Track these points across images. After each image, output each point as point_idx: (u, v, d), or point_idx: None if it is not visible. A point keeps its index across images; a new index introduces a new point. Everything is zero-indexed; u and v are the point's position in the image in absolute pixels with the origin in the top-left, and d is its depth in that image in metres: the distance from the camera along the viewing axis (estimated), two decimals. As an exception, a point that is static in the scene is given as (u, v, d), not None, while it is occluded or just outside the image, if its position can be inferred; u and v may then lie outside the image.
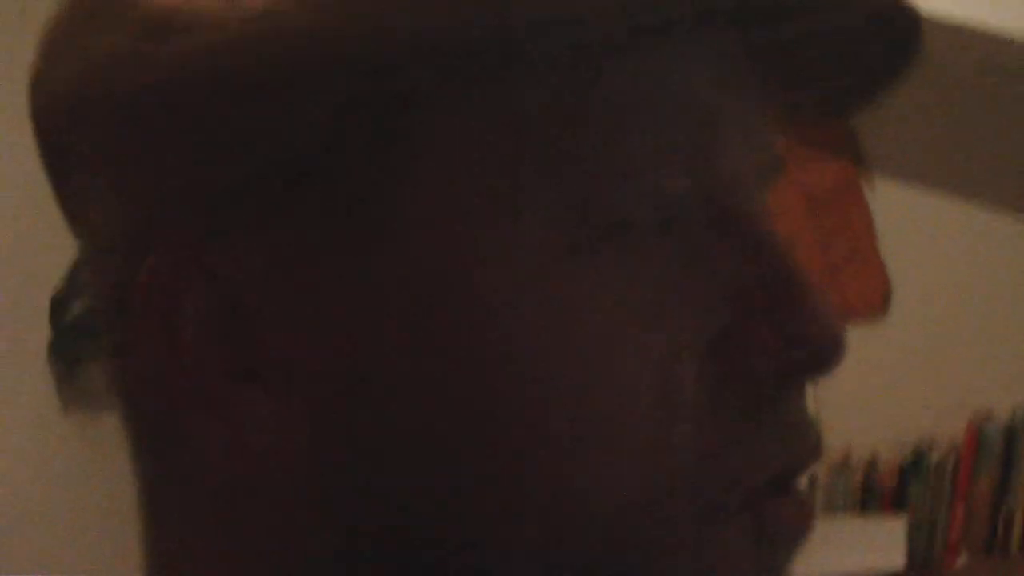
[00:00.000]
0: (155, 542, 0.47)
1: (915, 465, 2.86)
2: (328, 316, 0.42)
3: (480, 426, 0.42)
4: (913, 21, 0.46)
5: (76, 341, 2.97)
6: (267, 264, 0.43)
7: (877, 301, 3.28)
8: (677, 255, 0.43)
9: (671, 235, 0.43)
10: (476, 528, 0.43)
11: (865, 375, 3.17)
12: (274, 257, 0.43)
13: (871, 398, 3.10)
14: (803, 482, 0.46)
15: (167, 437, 0.45)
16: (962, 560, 2.52)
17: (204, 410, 0.43)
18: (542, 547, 0.42)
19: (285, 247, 0.43)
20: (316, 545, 0.43)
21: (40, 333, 3.05)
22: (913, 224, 3.22)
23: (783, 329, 0.43)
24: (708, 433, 0.42)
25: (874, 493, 2.88)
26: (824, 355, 0.43)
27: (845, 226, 3.36)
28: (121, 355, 0.46)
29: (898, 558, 2.30)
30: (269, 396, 0.43)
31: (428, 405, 0.42)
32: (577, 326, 0.42)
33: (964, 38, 2.23)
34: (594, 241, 0.42)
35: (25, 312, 3.02)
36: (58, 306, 3.00)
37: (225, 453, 0.43)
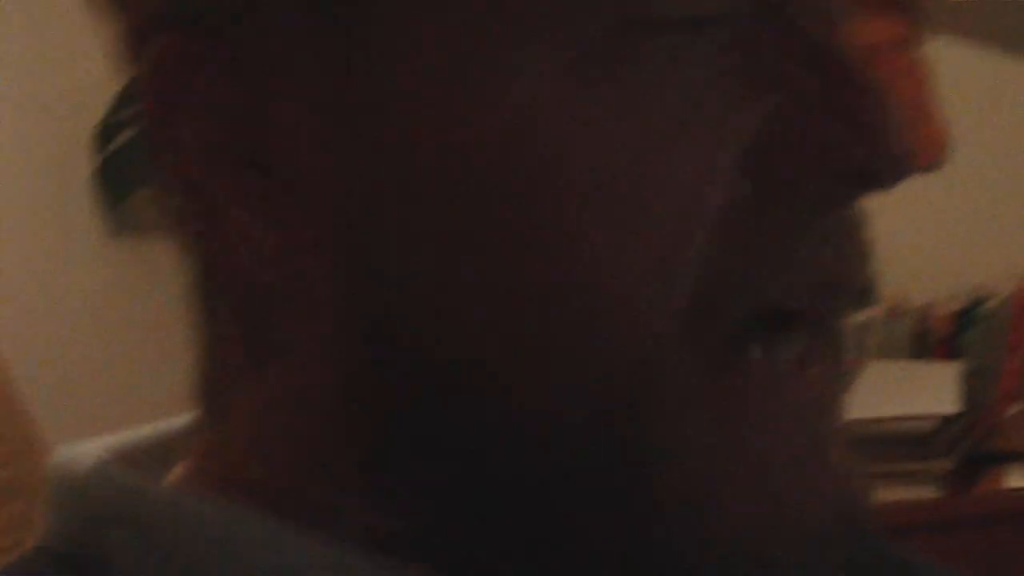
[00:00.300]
0: (197, 362, 0.47)
1: (970, 313, 2.84)
2: (341, 113, 0.40)
3: (503, 253, 0.40)
4: None
5: (124, 167, 2.97)
6: (278, 53, 0.40)
7: (934, 151, 3.23)
8: (715, 57, 0.39)
9: (709, 33, 0.39)
10: (495, 350, 0.40)
11: (923, 222, 3.15)
12: (287, 45, 0.40)
13: (928, 245, 3.09)
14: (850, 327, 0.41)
15: (198, 243, 0.44)
16: (1016, 407, 2.50)
17: (219, 204, 0.42)
18: (571, 375, 0.39)
19: (298, 37, 0.40)
20: (339, 356, 0.42)
21: (86, 160, 3.03)
22: (972, 79, 3.17)
23: (855, 122, 0.38)
24: (742, 250, 0.39)
25: (928, 340, 2.86)
26: (901, 161, 0.39)
27: (901, 79, 3.31)
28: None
29: (952, 402, 2.27)
30: (281, 191, 0.41)
31: (449, 224, 0.40)
32: (595, 149, 0.38)
33: None
34: (611, 45, 0.38)
35: (72, 139, 3.01)
36: (105, 132, 2.98)
37: (240, 252, 0.42)
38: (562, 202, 0.38)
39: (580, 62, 0.38)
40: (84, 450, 0.49)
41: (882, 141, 0.38)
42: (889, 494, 2.24)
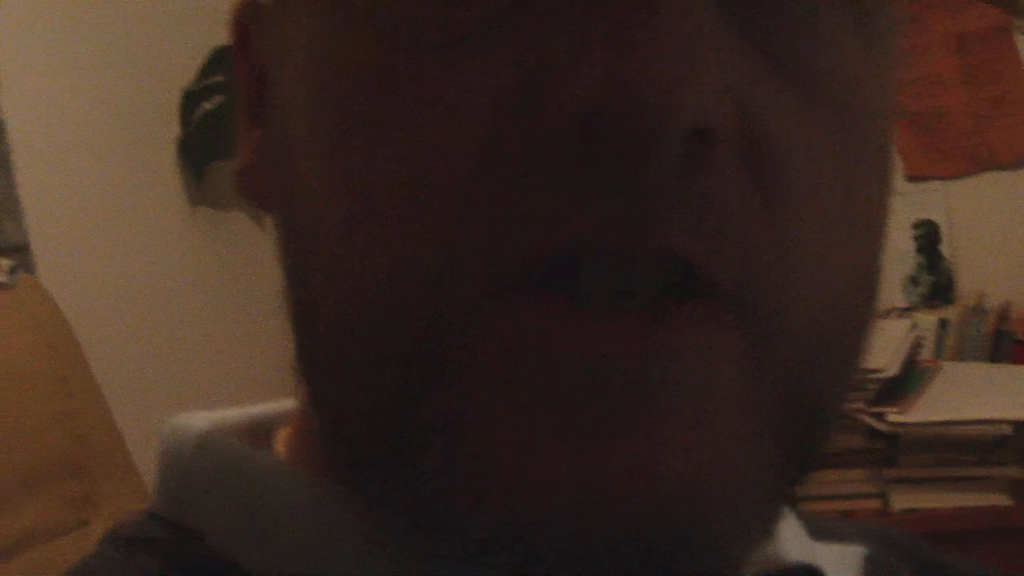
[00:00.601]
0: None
1: (1051, 315, 2.80)
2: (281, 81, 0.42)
3: (284, 169, 0.41)
4: None
5: (205, 138, 2.99)
6: (282, 33, 0.43)
7: (1021, 148, 3.20)
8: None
9: None
10: (298, 309, 0.41)
11: (1005, 222, 3.11)
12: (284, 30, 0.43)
13: (1010, 245, 3.04)
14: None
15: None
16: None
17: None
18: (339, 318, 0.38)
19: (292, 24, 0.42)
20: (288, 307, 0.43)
21: (172, 129, 3.06)
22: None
23: (574, 84, 0.33)
24: (495, 200, 0.35)
25: (1006, 342, 2.82)
26: (616, 127, 0.32)
27: (993, 71, 3.29)
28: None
29: (1029, 408, 2.24)
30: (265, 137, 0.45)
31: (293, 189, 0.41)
32: (353, 67, 0.37)
33: None
34: None
35: (159, 108, 3.04)
36: (189, 100, 3.01)
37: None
38: (296, 128, 0.40)
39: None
40: (192, 421, 0.52)
41: (605, 99, 0.32)
42: (960, 499, 2.22)
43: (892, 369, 2.40)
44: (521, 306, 0.34)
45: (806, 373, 0.38)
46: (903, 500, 2.30)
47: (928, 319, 2.89)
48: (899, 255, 3.31)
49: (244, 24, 0.48)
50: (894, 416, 2.29)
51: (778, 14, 0.37)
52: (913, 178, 3.37)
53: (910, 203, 3.34)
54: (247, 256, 2.93)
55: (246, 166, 0.47)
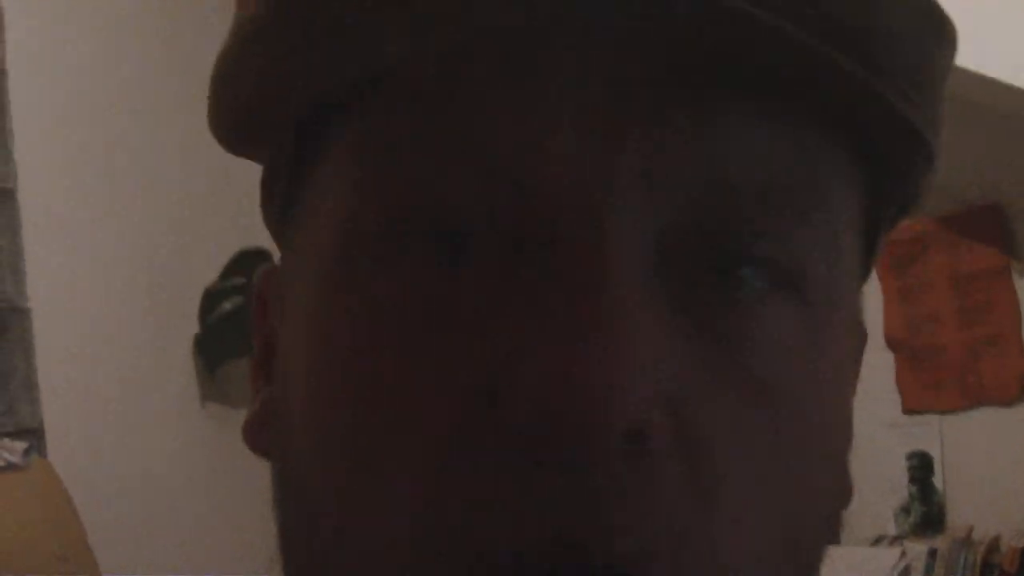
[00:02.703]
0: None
1: (1038, 552, 2.81)
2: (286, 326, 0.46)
3: (284, 426, 0.44)
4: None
5: (221, 337, 3.03)
6: (284, 272, 0.47)
7: (1013, 386, 3.24)
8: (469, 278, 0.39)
9: (460, 251, 0.39)
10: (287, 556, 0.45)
11: (997, 456, 3.14)
12: (284, 267, 0.47)
13: (1001, 479, 3.06)
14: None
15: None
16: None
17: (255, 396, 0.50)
18: None
19: (286, 261, 0.48)
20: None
21: (190, 325, 3.13)
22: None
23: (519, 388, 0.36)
24: (448, 496, 0.37)
25: (994, 573, 2.83)
26: (550, 439, 0.35)
27: (988, 309, 3.34)
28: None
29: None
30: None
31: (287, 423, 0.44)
32: (338, 351, 0.40)
33: None
34: (366, 252, 0.40)
35: (179, 305, 3.10)
36: (210, 300, 3.07)
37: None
38: (293, 392, 0.43)
39: (335, 266, 0.41)
40: None
41: (535, 412, 0.35)
42: None
43: (880, 595, 2.42)
44: None
45: None
46: None
47: (918, 548, 2.90)
48: (892, 485, 3.33)
49: (263, 290, 0.51)
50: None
51: (723, 295, 0.39)
52: (909, 411, 3.41)
53: (905, 435, 3.37)
54: (255, 458, 2.93)
55: (253, 420, 0.49)
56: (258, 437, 0.49)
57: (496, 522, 0.37)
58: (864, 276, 0.47)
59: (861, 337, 0.49)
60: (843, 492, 0.47)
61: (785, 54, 0.37)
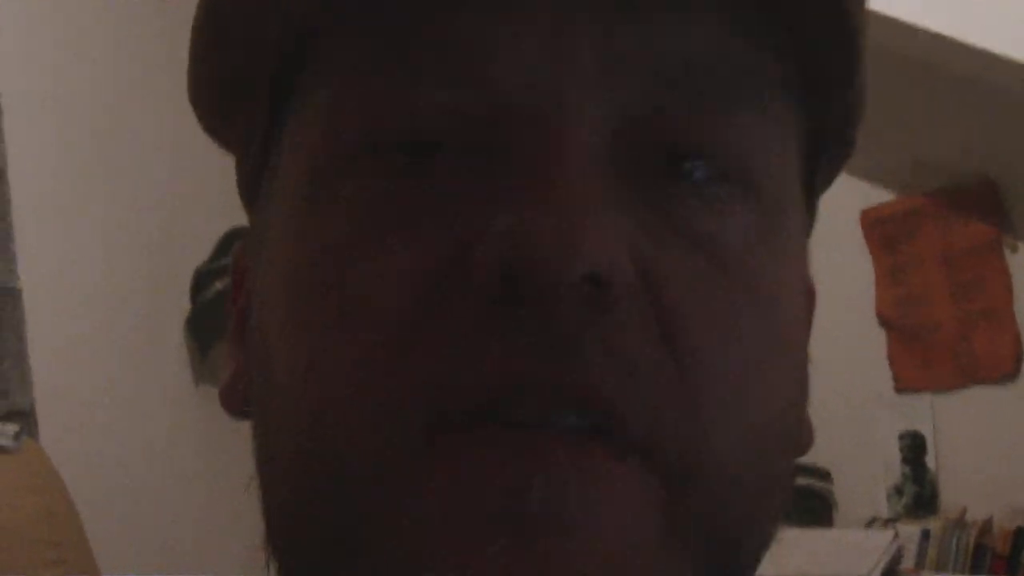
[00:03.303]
0: None
1: (1032, 531, 2.82)
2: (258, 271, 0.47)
3: (260, 356, 0.45)
4: None
5: (213, 317, 3.04)
6: (256, 227, 0.48)
7: (1007, 362, 3.25)
8: (433, 178, 0.41)
9: (430, 158, 0.41)
10: (262, 468, 0.45)
11: (990, 436, 3.15)
12: (257, 223, 0.48)
13: (995, 459, 3.07)
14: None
15: None
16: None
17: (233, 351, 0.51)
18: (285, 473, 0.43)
19: (258, 217, 0.48)
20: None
21: (182, 306, 3.13)
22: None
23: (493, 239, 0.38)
24: (414, 350, 0.39)
25: (987, 555, 2.84)
26: (523, 280, 0.37)
27: (981, 285, 3.35)
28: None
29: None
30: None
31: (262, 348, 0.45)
32: (313, 251, 0.42)
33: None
34: (337, 167, 0.42)
35: (170, 285, 3.11)
36: (201, 279, 3.08)
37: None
38: (270, 315, 0.44)
39: (310, 182, 0.43)
40: None
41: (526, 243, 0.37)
42: None
43: (873, 576, 2.42)
44: (458, 441, 0.38)
45: (727, 519, 0.41)
46: None
47: (911, 529, 2.91)
48: (885, 465, 3.34)
49: (239, 262, 0.52)
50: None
51: (675, 185, 0.41)
52: (901, 390, 3.42)
53: (898, 414, 3.38)
54: (248, 435, 2.94)
55: (230, 383, 0.50)
56: (234, 398, 0.49)
57: (462, 367, 0.38)
58: (807, 226, 0.49)
59: (809, 294, 0.49)
60: (801, 431, 0.47)
61: None
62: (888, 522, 3.08)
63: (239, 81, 0.46)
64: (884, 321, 3.49)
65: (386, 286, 0.40)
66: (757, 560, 0.44)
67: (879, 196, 3.31)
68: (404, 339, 0.39)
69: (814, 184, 0.49)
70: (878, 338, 3.49)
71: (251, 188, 0.48)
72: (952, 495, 3.18)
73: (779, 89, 0.44)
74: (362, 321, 0.40)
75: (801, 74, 0.44)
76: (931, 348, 3.39)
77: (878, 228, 3.51)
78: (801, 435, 0.47)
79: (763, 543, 0.44)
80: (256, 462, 0.45)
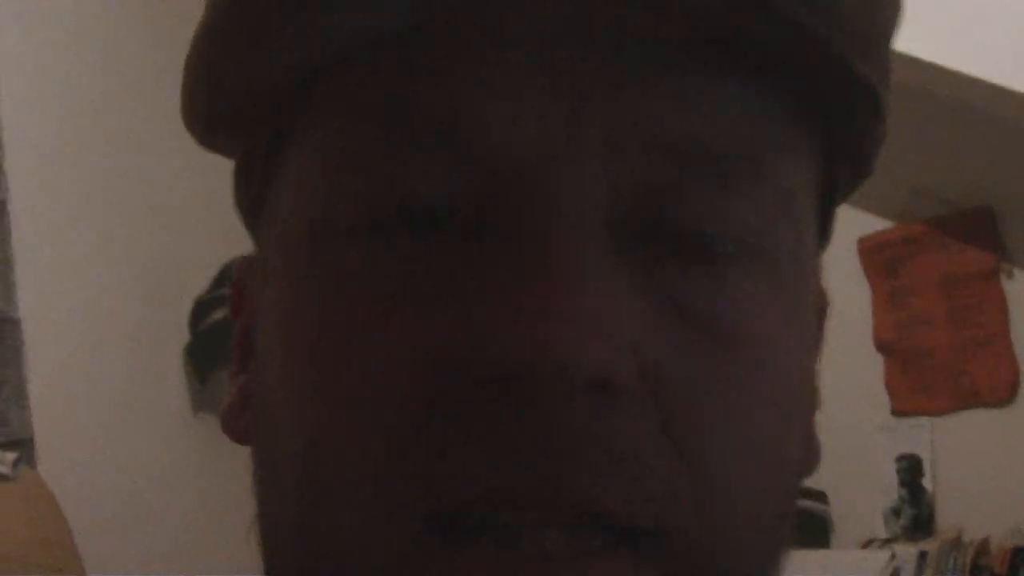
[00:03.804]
0: None
1: (1028, 553, 2.83)
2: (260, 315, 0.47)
3: (262, 403, 0.45)
4: None
5: (212, 346, 3.04)
6: (259, 260, 0.47)
7: (1004, 388, 3.26)
8: (430, 255, 0.40)
9: (430, 234, 0.40)
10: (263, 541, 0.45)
11: (986, 458, 3.15)
12: (259, 256, 0.48)
13: (990, 481, 3.08)
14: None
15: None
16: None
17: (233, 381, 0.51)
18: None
19: (260, 250, 0.48)
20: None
21: (181, 335, 3.13)
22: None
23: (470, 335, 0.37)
24: (416, 448, 0.38)
25: (984, 575, 2.84)
26: (504, 382, 0.37)
27: (978, 311, 3.36)
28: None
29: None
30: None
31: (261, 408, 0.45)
32: (314, 322, 0.41)
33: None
34: (335, 234, 0.41)
35: (170, 315, 3.12)
36: (200, 309, 3.08)
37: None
38: (271, 366, 0.43)
39: (306, 256, 0.42)
40: None
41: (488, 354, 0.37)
42: None
43: (871, 599, 2.43)
44: (454, 551, 0.38)
45: None
46: None
47: (908, 551, 2.91)
48: (882, 487, 3.34)
49: (240, 280, 0.52)
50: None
51: (685, 265, 0.40)
52: (899, 413, 3.42)
53: (895, 437, 3.38)
54: (246, 464, 2.94)
55: (231, 407, 0.50)
56: (236, 423, 0.49)
57: (462, 469, 0.37)
58: (822, 244, 0.48)
59: (822, 304, 0.49)
60: (809, 455, 0.47)
61: (746, 15, 0.38)
62: (885, 543, 3.08)
63: (236, 114, 0.45)
64: (882, 346, 3.49)
65: (384, 387, 0.39)
66: None
67: (876, 224, 3.32)
68: (404, 435, 0.39)
69: (831, 203, 0.48)
70: (876, 363, 3.49)
71: (248, 199, 0.48)
72: (949, 517, 3.18)
73: (796, 139, 0.43)
74: (365, 410, 0.39)
75: (823, 126, 0.44)
76: (928, 373, 3.39)
77: (876, 254, 3.52)
78: (809, 457, 0.47)
79: None
80: (256, 501, 0.45)
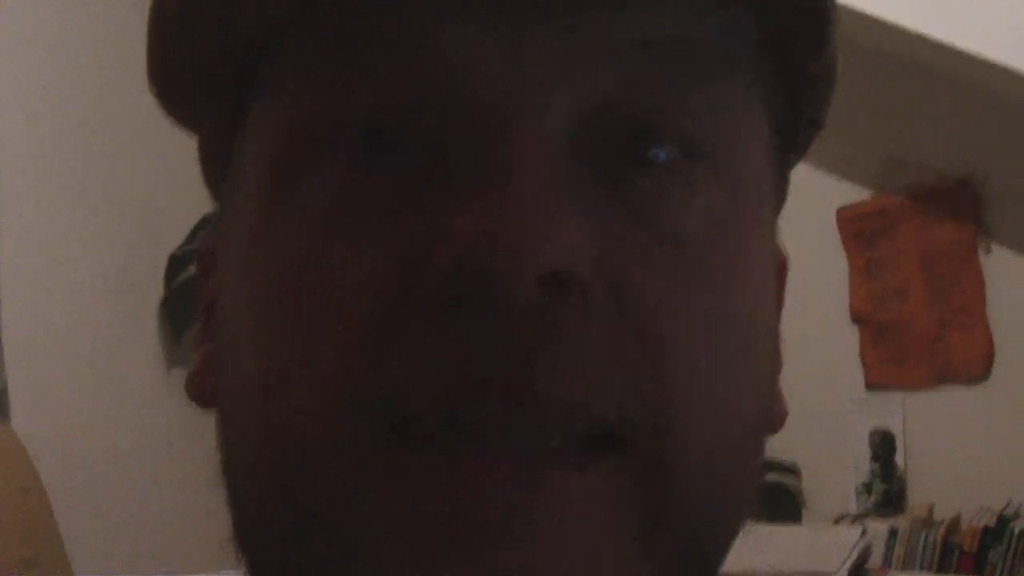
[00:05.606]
0: None
1: (998, 531, 2.84)
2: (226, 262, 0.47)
3: (226, 355, 0.45)
4: None
5: (187, 301, 3.03)
6: (223, 220, 0.48)
7: (978, 363, 3.27)
8: (393, 171, 0.41)
9: (386, 151, 0.41)
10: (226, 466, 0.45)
11: (959, 435, 3.17)
12: (223, 216, 0.48)
13: (962, 458, 3.09)
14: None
15: None
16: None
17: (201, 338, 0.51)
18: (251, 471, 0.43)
19: (224, 210, 0.48)
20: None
21: (156, 291, 3.12)
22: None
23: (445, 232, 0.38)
24: (377, 348, 0.39)
25: (954, 553, 2.86)
26: (475, 278, 0.37)
27: (955, 285, 3.36)
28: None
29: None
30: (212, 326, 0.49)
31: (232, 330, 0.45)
32: (274, 254, 0.42)
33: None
34: (299, 164, 0.42)
35: (145, 270, 3.10)
36: (175, 264, 3.07)
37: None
38: (234, 315, 0.44)
39: (272, 181, 0.43)
40: None
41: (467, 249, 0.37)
42: None
43: (840, 575, 2.43)
44: (416, 458, 0.39)
45: (701, 505, 0.41)
46: None
47: (879, 527, 2.92)
48: (854, 462, 3.36)
49: (206, 251, 0.52)
50: (839, 619, 2.31)
51: (640, 170, 0.41)
52: (872, 387, 3.43)
53: (868, 412, 3.39)
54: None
55: (197, 370, 0.50)
56: (201, 388, 0.49)
57: (420, 374, 0.38)
58: (779, 201, 0.49)
59: (780, 261, 0.49)
60: (775, 408, 0.47)
61: None
62: (856, 519, 3.09)
63: (203, 68, 0.45)
64: (857, 317, 3.50)
65: (346, 293, 0.40)
66: (726, 549, 0.44)
67: (855, 194, 3.32)
68: (365, 346, 0.39)
69: (785, 160, 0.49)
70: (851, 336, 3.50)
71: (216, 171, 0.48)
72: (920, 494, 3.19)
73: (746, 63, 0.44)
74: (324, 330, 0.40)
75: (769, 46, 0.44)
76: (904, 346, 3.40)
77: (854, 224, 3.52)
78: (773, 411, 0.47)
79: (734, 530, 0.45)
80: (220, 455, 0.46)
